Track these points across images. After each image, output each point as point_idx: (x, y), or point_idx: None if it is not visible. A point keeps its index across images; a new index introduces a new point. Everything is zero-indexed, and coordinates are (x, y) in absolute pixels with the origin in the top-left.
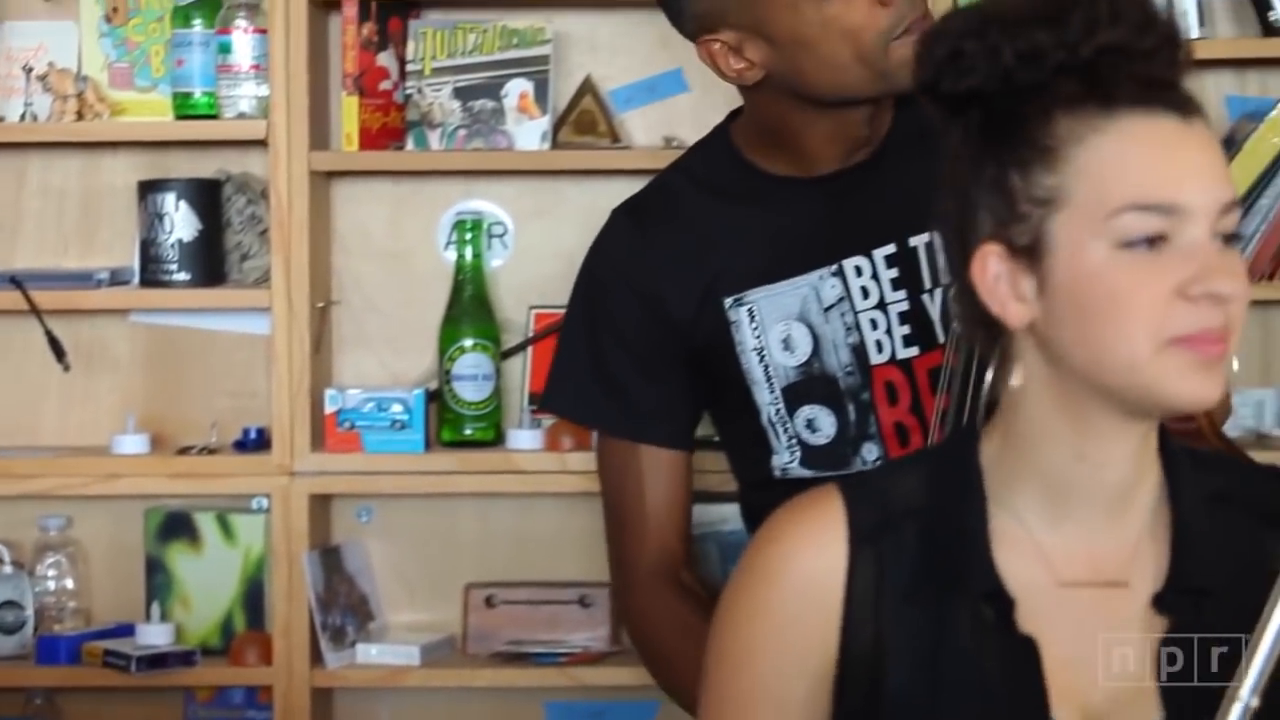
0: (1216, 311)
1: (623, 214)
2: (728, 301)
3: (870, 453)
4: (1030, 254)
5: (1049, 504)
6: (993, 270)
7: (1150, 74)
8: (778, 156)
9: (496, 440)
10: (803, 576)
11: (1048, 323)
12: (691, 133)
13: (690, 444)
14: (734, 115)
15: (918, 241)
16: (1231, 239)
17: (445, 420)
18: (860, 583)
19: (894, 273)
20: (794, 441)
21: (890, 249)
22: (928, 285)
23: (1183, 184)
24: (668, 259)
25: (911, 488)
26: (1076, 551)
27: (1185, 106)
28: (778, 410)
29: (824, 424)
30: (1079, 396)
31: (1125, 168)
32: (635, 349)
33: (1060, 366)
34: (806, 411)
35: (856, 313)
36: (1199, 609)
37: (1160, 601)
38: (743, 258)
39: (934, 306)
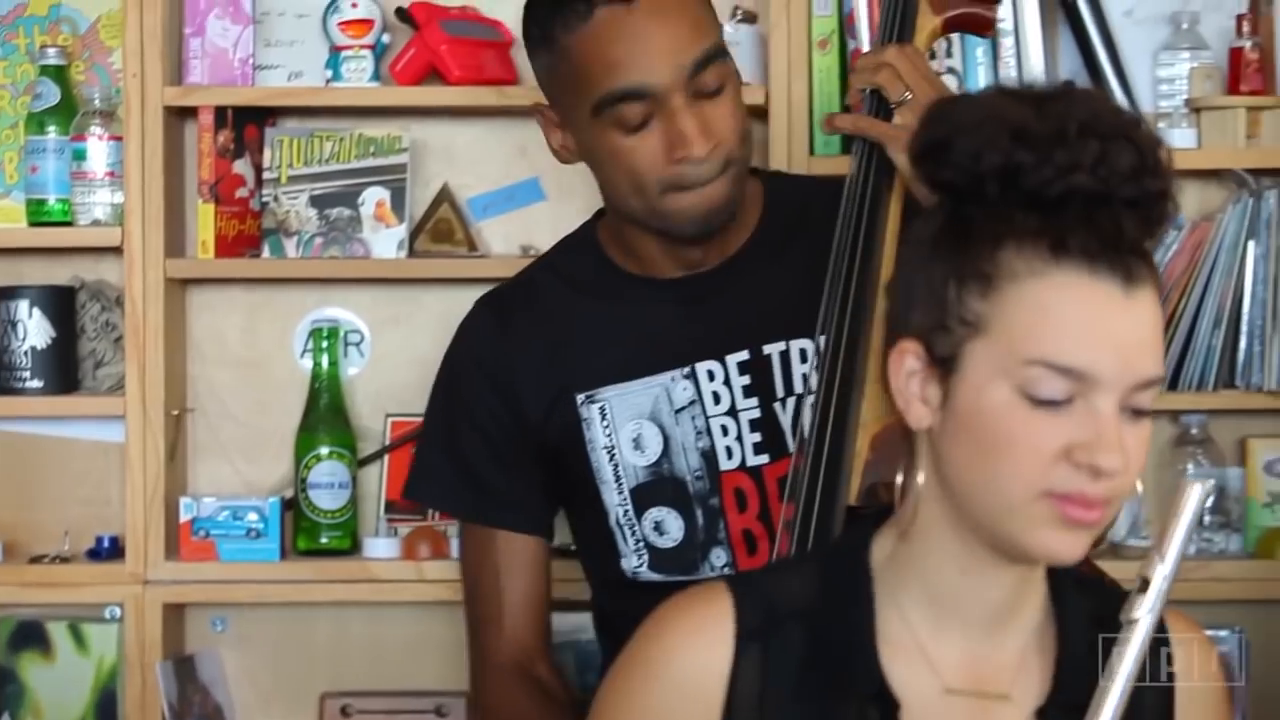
0: (1098, 483)
1: (484, 304)
2: (580, 398)
3: (719, 558)
4: (944, 366)
5: (935, 611)
6: (908, 367)
7: (1114, 229)
8: (630, 256)
9: (353, 549)
10: (685, 672)
11: (942, 436)
12: (548, 241)
13: (548, 533)
14: (599, 215)
15: (771, 349)
16: (1143, 412)
17: (301, 529)
18: (744, 682)
19: (746, 380)
20: (641, 544)
21: (744, 355)
22: (780, 394)
23: (1103, 356)
24: (525, 351)
25: (800, 587)
26: (961, 660)
27: (1133, 275)
28: (626, 511)
29: (672, 527)
30: (963, 513)
31: (1050, 324)
32: (490, 436)
33: (945, 480)
34: (654, 514)
35: (708, 417)
36: None
37: (1042, 717)
38: (598, 355)
39: (785, 415)
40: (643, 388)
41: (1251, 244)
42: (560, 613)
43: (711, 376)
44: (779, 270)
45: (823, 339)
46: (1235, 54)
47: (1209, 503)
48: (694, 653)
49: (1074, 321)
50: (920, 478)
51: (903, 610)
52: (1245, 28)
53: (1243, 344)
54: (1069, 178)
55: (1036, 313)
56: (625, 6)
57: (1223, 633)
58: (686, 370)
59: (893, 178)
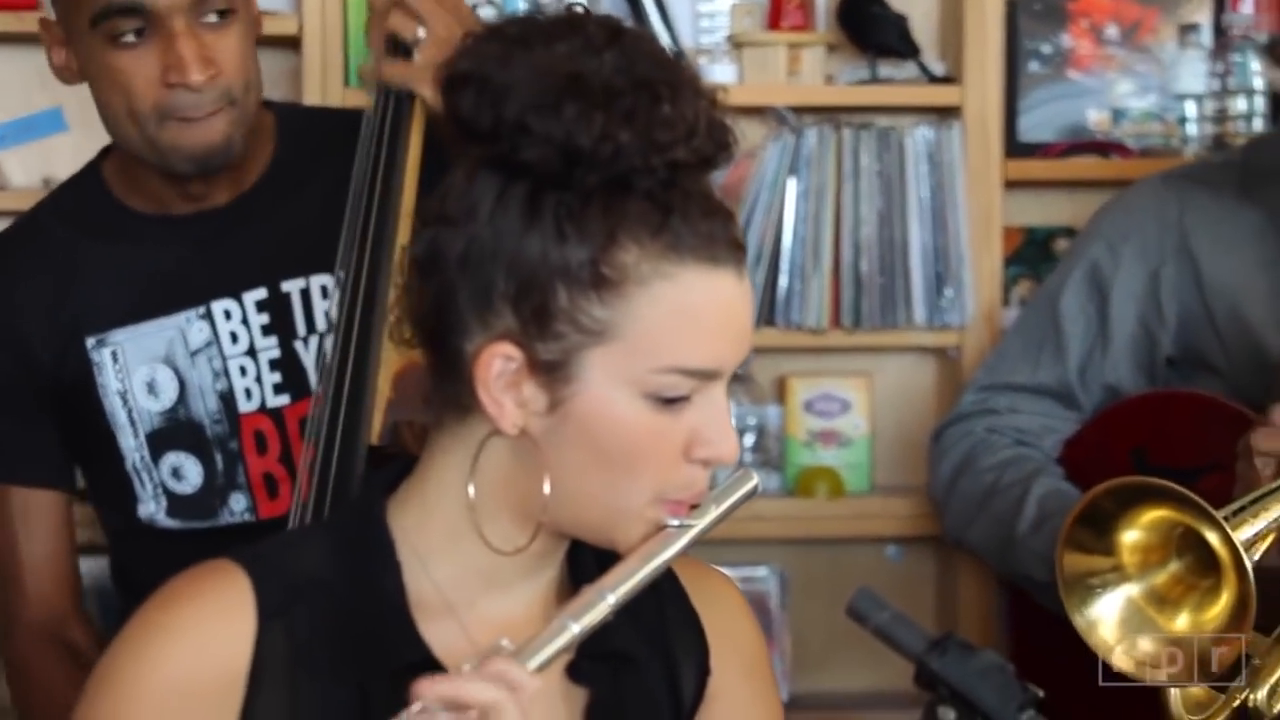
0: (707, 473)
1: None
2: (90, 342)
3: (238, 503)
4: (550, 371)
5: (465, 576)
6: (497, 370)
7: (721, 209)
8: (138, 193)
9: None
10: (200, 649)
11: (547, 441)
12: (70, 173)
13: (69, 485)
14: (107, 151)
15: (291, 286)
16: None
17: None
18: (269, 660)
19: (265, 318)
20: (159, 490)
21: (261, 293)
22: (301, 332)
23: (730, 350)
24: (31, 297)
25: (318, 559)
26: (494, 619)
27: (742, 256)
28: (142, 457)
29: (190, 473)
30: (531, 502)
31: (682, 329)
32: None
33: (529, 476)
34: (172, 459)
35: (225, 358)
36: (615, 676)
37: (575, 670)
38: (107, 297)
39: (308, 354)
40: (156, 330)
41: (792, 181)
42: (87, 557)
43: (228, 316)
44: (296, 205)
45: (342, 274)
46: None
47: (750, 442)
48: (211, 630)
49: (706, 323)
50: (455, 459)
51: (432, 577)
52: None
53: (783, 282)
54: (670, 151)
55: (668, 319)
56: None
57: (762, 570)
58: (202, 310)
59: (413, 109)
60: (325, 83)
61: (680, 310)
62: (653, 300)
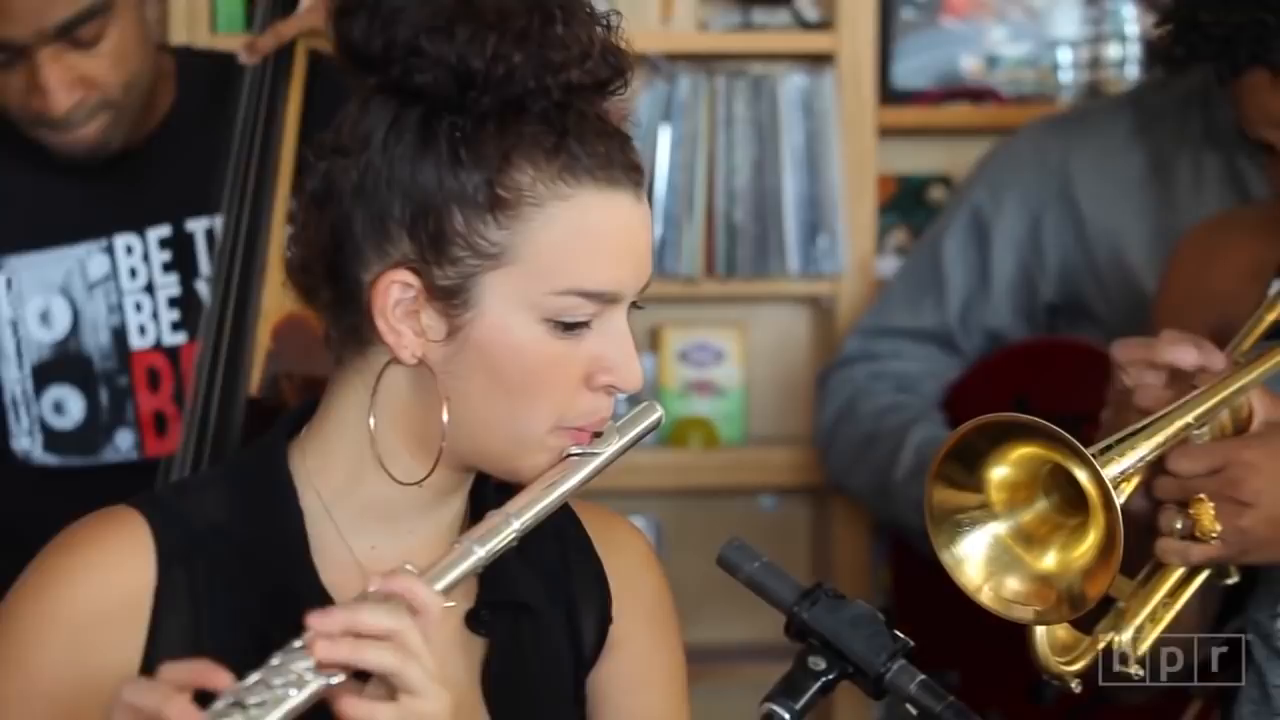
0: (609, 400)
1: None
2: None
3: (124, 440)
4: (448, 297)
5: (367, 516)
6: (395, 296)
7: (616, 133)
8: None
9: None
10: (101, 596)
11: (446, 369)
12: None
13: None
14: None
15: (196, 226)
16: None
17: None
18: (172, 605)
19: (167, 255)
20: (37, 424)
21: (165, 230)
22: (204, 271)
23: (628, 272)
24: None
25: (216, 504)
26: (397, 563)
27: (640, 178)
28: (24, 390)
29: (73, 408)
30: (431, 432)
31: (579, 250)
32: None
33: (429, 405)
34: (55, 392)
35: (122, 293)
36: (515, 625)
37: (475, 619)
38: (5, 221)
39: (207, 293)
40: (54, 259)
41: (665, 129)
42: None
43: (129, 251)
44: (201, 146)
45: (223, 224)
46: None
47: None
48: (111, 577)
49: (604, 244)
50: (353, 394)
51: (334, 519)
52: None
53: (656, 231)
54: (566, 72)
55: (565, 240)
56: None
57: (637, 521)
58: (104, 243)
59: (292, 61)
60: (190, 28)
61: (577, 231)
62: (549, 222)
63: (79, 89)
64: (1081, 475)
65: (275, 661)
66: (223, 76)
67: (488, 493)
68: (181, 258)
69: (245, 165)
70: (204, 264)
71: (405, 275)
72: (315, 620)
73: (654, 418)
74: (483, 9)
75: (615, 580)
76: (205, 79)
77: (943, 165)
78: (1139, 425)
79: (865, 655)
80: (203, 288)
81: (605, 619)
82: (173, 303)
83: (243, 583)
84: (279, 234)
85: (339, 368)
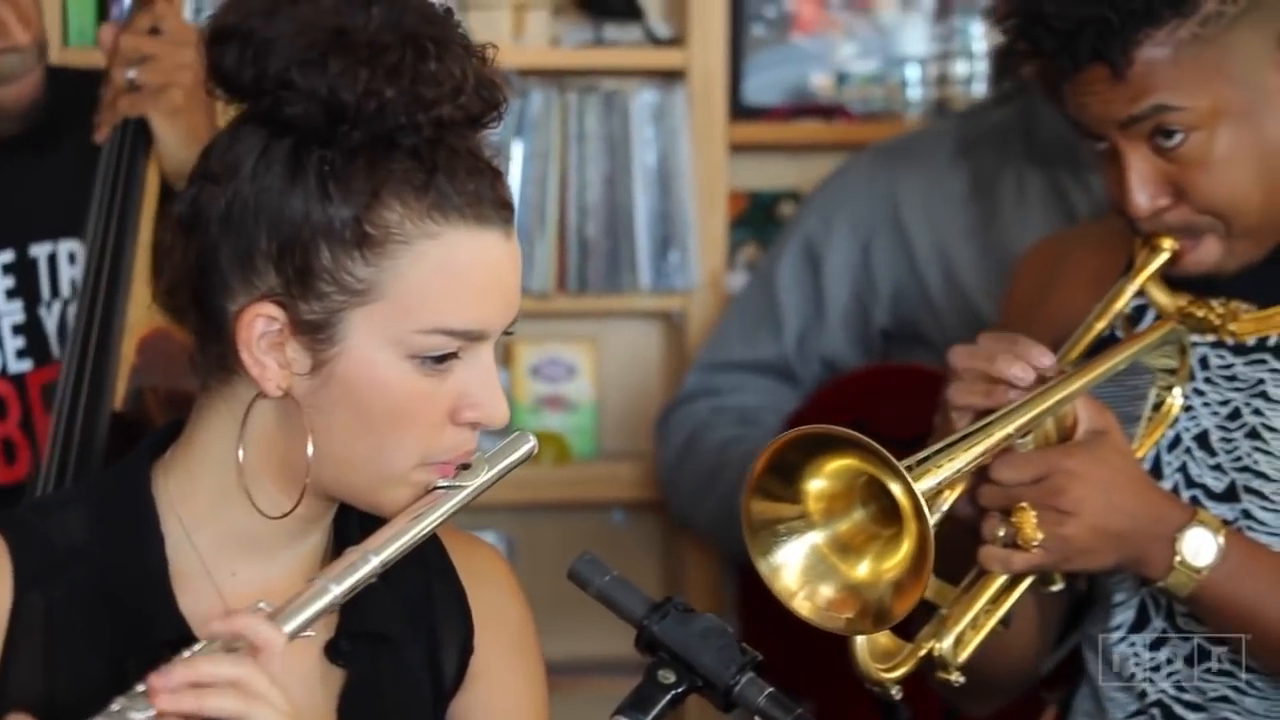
0: (474, 435)
1: None
2: None
3: None
4: (313, 332)
5: (229, 544)
6: (260, 329)
7: (488, 168)
8: None
9: None
10: None
11: (311, 402)
12: None
13: None
14: None
15: (39, 251)
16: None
17: None
18: (27, 630)
19: (10, 282)
20: None
21: (8, 256)
22: (46, 297)
23: (496, 310)
24: None
25: (78, 524)
26: (257, 590)
27: (510, 216)
28: None
29: None
30: (297, 464)
31: (447, 289)
32: None
33: (294, 438)
34: None
35: None
36: (374, 655)
37: (333, 649)
38: None
39: (51, 319)
40: None
41: (518, 144)
42: None
43: None
44: (49, 168)
45: (89, 240)
46: None
47: None
48: None
49: (471, 283)
50: (216, 422)
51: (194, 542)
52: None
53: None
54: (436, 108)
55: (432, 279)
56: None
57: (489, 536)
58: None
59: None
60: None
61: (445, 270)
62: (417, 260)
63: (30, 25)
64: (895, 487)
65: (115, 708)
66: (78, 96)
67: (352, 522)
68: (25, 284)
69: (114, 175)
70: (46, 290)
71: (270, 309)
72: (156, 680)
73: (525, 449)
74: (356, 42)
75: (479, 610)
76: (63, 97)
77: (793, 181)
78: (959, 435)
79: (714, 668)
80: (44, 313)
81: (467, 649)
82: (16, 330)
83: (100, 608)
84: (146, 243)
85: (205, 393)
